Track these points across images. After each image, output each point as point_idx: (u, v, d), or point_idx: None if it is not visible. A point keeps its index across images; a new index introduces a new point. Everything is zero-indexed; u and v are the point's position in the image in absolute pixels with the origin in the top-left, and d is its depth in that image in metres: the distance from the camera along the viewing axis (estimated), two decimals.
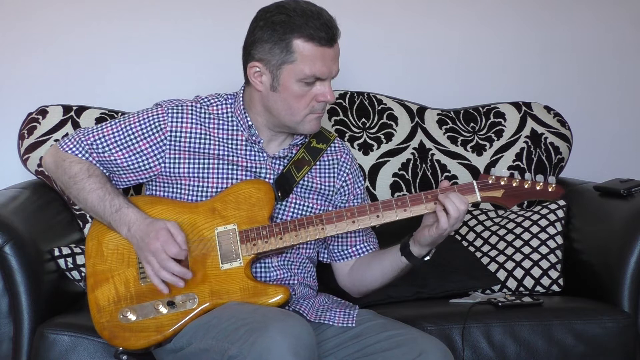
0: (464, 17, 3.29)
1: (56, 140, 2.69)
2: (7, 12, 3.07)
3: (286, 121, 2.17)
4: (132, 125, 2.20)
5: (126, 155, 2.20)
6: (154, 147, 2.19)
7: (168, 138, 2.18)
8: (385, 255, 2.23)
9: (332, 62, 2.13)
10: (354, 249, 2.31)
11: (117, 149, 2.19)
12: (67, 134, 2.69)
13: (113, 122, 2.23)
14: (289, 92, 2.13)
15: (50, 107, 2.84)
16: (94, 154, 2.21)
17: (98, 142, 2.20)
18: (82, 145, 2.21)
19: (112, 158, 2.20)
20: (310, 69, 2.11)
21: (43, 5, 3.08)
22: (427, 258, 2.16)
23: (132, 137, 2.19)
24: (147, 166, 2.20)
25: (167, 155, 2.19)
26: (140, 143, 2.19)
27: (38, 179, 2.79)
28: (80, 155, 2.21)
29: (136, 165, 2.20)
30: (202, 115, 2.22)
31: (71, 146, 2.22)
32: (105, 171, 2.22)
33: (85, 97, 2.94)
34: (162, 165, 2.19)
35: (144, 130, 2.19)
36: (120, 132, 2.20)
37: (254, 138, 2.21)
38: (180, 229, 2.10)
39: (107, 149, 2.20)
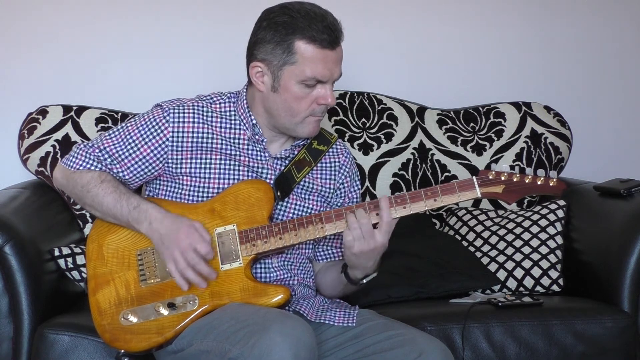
0: (464, 17, 3.29)
1: (59, 156, 2.71)
2: (7, 11, 3.07)
3: (285, 122, 2.16)
4: (132, 133, 2.18)
5: (129, 164, 2.17)
6: (155, 152, 2.17)
7: (170, 139, 2.17)
8: (335, 267, 2.24)
9: (334, 65, 2.12)
10: (334, 250, 2.31)
11: (120, 159, 2.17)
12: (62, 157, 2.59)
13: (113, 134, 2.20)
14: (290, 94, 2.12)
15: (50, 107, 2.83)
16: (103, 162, 2.18)
17: (100, 155, 2.18)
18: (87, 157, 2.18)
19: (116, 170, 2.18)
20: (312, 71, 2.10)
21: (43, 5, 3.08)
22: (364, 282, 2.16)
23: (132, 146, 2.17)
24: (151, 171, 2.19)
25: (170, 156, 2.17)
26: (142, 149, 2.17)
27: (38, 179, 2.79)
28: (88, 167, 2.18)
29: (141, 173, 2.19)
30: (205, 112, 2.20)
31: (77, 161, 2.19)
32: None
33: (85, 97, 2.94)
34: (165, 165, 2.18)
35: (144, 136, 2.17)
36: (121, 143, 2.18)
37: (257, 137, 2.20)
38: (205, 229, 2.09)
39: (108, 161, 2.18)
